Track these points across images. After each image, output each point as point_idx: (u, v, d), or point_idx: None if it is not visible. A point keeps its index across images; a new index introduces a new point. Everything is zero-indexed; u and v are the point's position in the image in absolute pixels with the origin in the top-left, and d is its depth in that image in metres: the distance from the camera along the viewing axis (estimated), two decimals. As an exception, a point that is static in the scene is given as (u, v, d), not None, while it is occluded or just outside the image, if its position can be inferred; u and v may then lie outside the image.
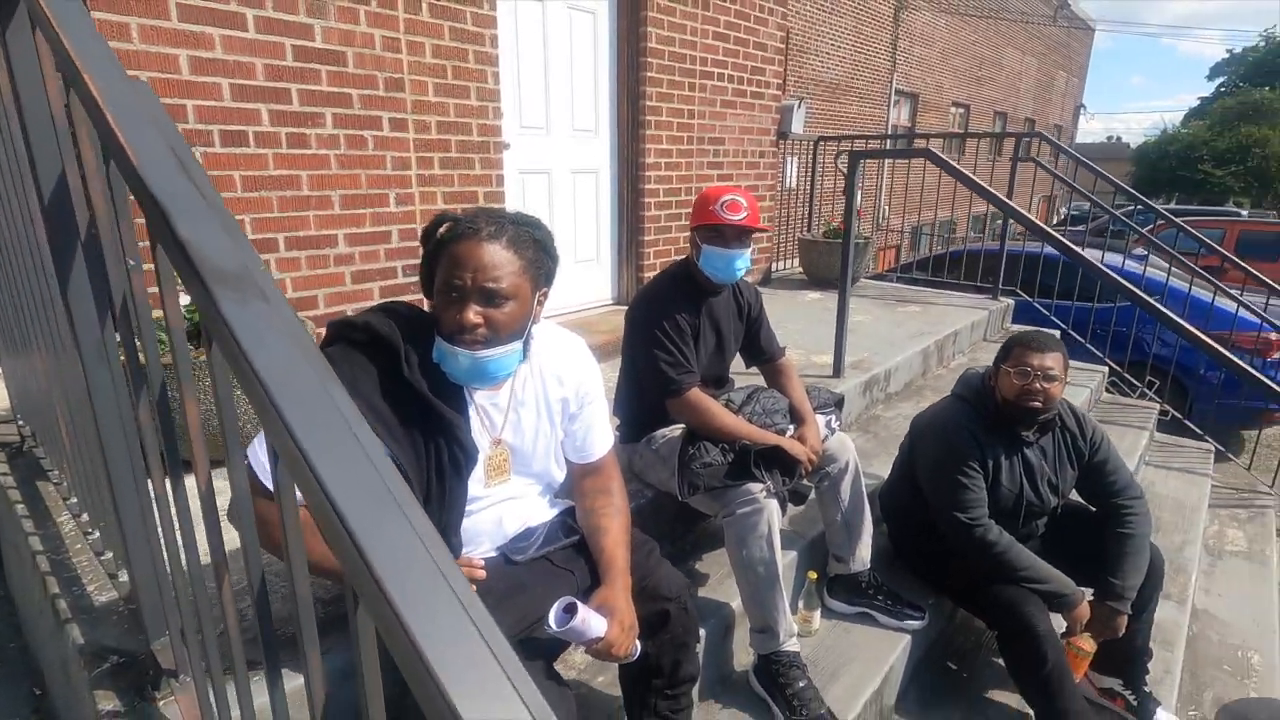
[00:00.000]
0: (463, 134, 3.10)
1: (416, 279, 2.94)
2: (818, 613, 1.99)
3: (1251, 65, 35.02)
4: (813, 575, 1.96)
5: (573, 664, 1.67)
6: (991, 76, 16.41)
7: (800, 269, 5.51)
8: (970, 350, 4.28)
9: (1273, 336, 4.86)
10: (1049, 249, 3.56)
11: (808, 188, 5.76)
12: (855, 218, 2.90)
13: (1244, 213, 14.97)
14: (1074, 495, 2.19)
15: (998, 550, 1.89)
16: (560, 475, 1.42)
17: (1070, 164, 5.26)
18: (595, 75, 3.87)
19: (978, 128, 16.09)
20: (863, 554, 2.03)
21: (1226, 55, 38.03)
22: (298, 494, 1.06)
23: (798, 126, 5.10)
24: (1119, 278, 3.19)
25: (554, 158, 3.76)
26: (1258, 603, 3.05)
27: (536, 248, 1.25)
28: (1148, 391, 4.69)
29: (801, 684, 1.68)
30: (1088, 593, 1.98)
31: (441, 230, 1.23)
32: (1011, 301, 4.82)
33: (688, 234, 4.52)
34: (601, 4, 3.80)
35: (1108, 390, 4.63)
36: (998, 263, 4.88)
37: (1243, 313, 4.75)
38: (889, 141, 10.40)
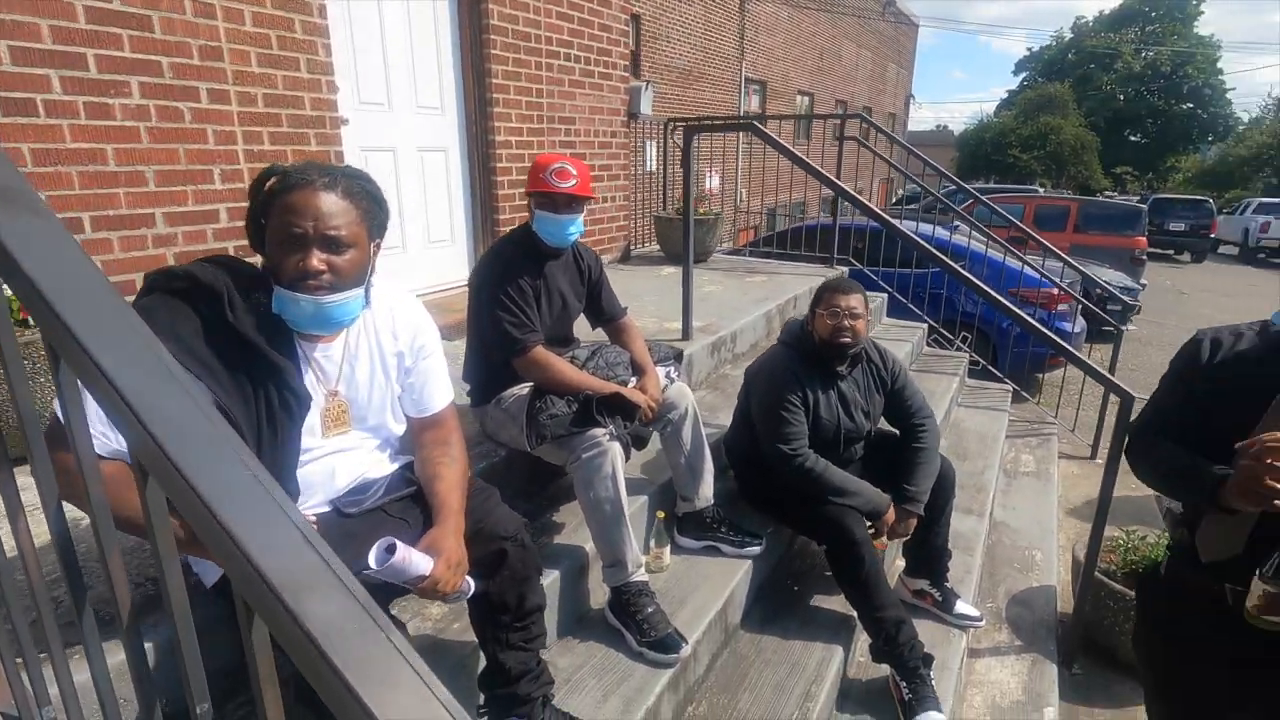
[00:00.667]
0: (294, 108, 2.97)
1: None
2: (668, 549, 2.15)
3: (1046, 62, 39.94)
4: (661, 515, 2.12)
5: (428, 615, 1.72)
6: (831, 67, 17.60)
7: (659, 247, 5.73)
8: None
9: (1054, 292, 5.68)
10: (868, 222, 4.02)
11: (663, 169, 5.98)
12: (694, 188, 3.09)
13: (1041, 190, 17.10)
14: (886, 425, 2.51)
15: (815, 474, 2.13)
16: (398, 429, 1.46)
17: (903, 148, 5.87)
18: (438, 51, 3.82)
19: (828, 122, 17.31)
20: (705, 492, 2.22)
21: (1028, 52, 43.04)
22: (109, 444, 1.04)
23: (646, 108, 5.28)
24: (924, 243, 3.63)
25: (398, 135, 3.68)
26: (1041, 511, 3.61)
27: (369, 199, 1.28)
28: (960, 345, 5.35)
29: (650, 609, 1.83)
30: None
31: (271, 182, 1.23)
32: (845, 270, 5.30)
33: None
34: (439, -22, 3.75)
35: (929, 344, 5.23)
36: (835, 236, 5.37)
37: (1034, 274, 5.52)
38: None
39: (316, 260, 1.18)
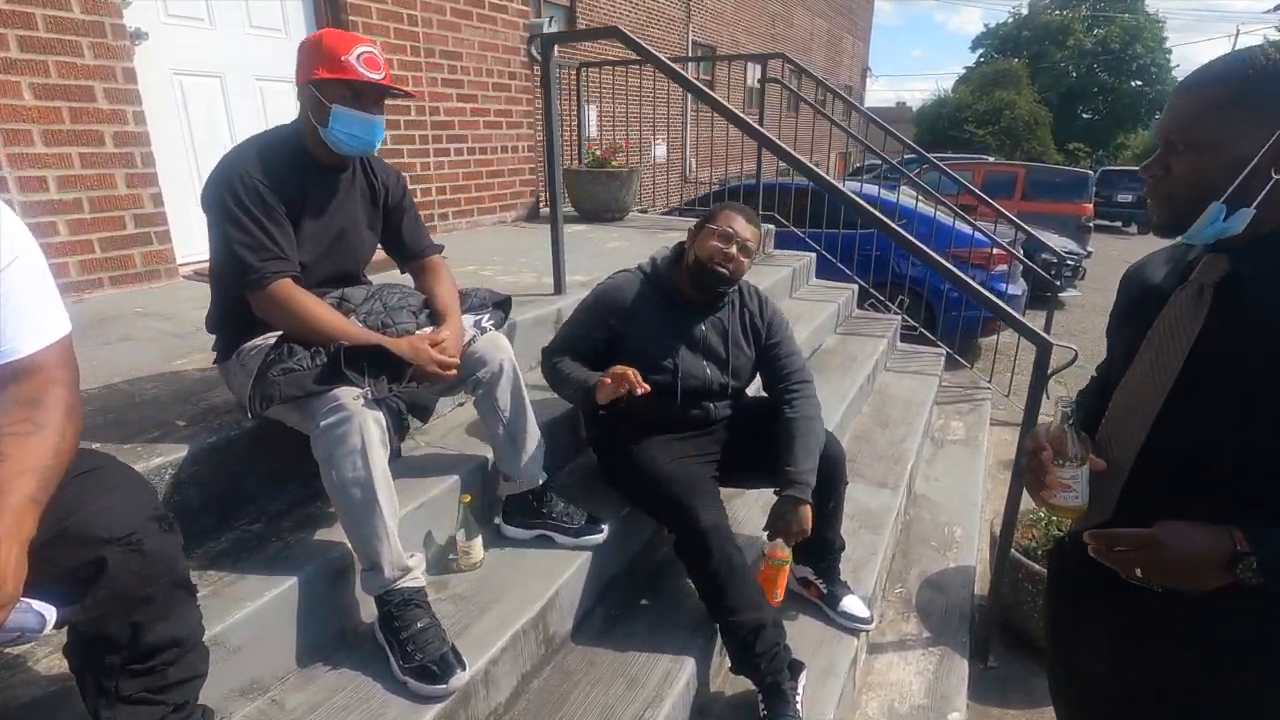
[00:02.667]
0: (54, 8, 2.39)
1: None
2: (478, 541, 1.71)
3: (1002, 38, 40.05)
4: (465, 499, 1.67)
5: None
6: (785, 34, 17.11)
7: (572, 205, 5.24)
8: (728, 273, 4.26)
9: (995, 252, 5.35)
10: (802, 182, 3.61)
11: (575, 118, 5.46)
12: (555, 115, 2.61)
13: (991, 159, 16.96)
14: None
15: (557, 368, 1.88)
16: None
17: (862, 122, 5.44)
18: (276, -39, 3.25)
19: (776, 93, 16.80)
20: (531, 469, 1.77)
21: (985, 29, 43.16)
22: None
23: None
24: (858, 199, 3.21)
25: (227, 59, 3.11)
26: (966, 482, 3.27)
27: None
28: (893, 307, 4.99)
29: (420, 624, 1.38)
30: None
31: None
32: (770, 228, 4.88)
33: (424, 160, 4.09)
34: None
35: (863, 308, 4.87)
36: (766, 195, 4.95)
37: (970, 233, 5.19)
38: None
39: None
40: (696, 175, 11.81)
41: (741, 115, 2.67)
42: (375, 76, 1.52)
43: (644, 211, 5.94)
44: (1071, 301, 7.45)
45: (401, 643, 1.37)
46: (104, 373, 1.89)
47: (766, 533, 1.84)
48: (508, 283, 3.10)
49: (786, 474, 1.80)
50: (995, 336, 5.32)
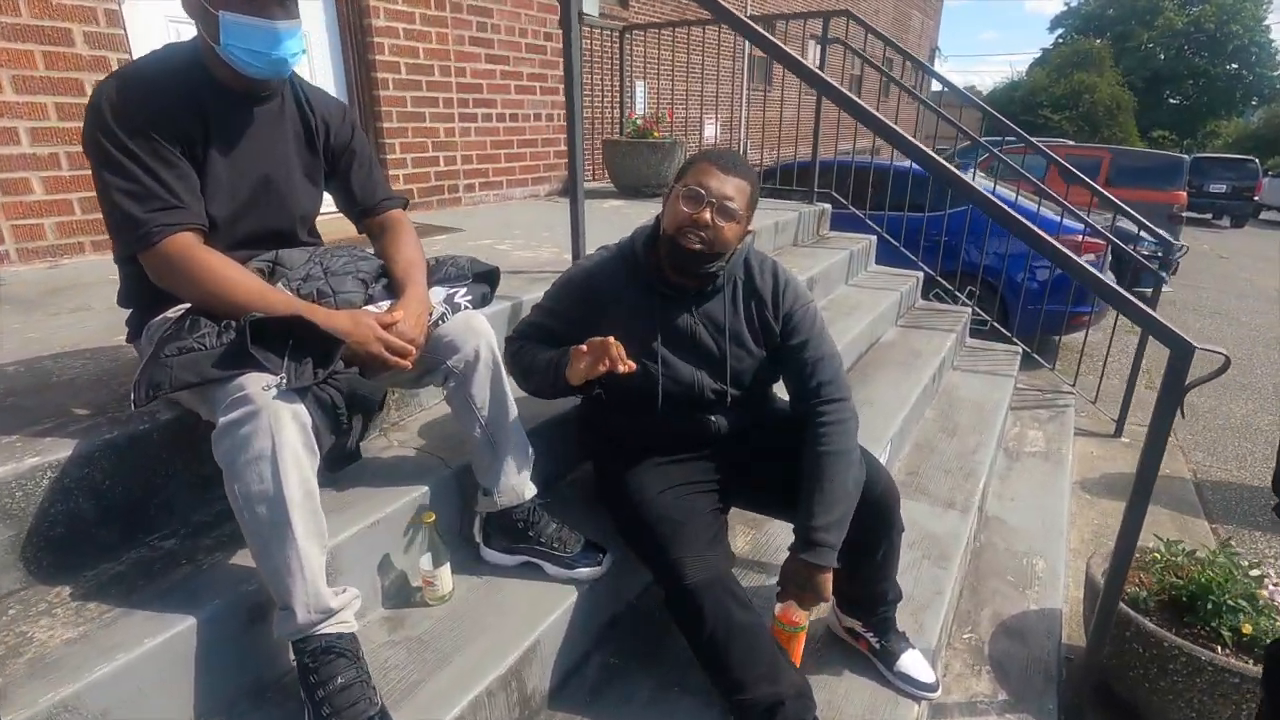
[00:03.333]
0: (23, -64, 2.15)
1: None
2: (446, 570, 1.38)
3: (1084, 17, 37.67)
4: (429, 518, 1.34)
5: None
6: (851, 7, 16.27)
7: (610, 179, 4.88)
8: (775, 254, 3.83)
9: (1080, 239, 4.76)
10: (864, 159, 3.17)
11: (616, 86, 5.08)
12: (578, 81, 2.23)
13: (1070, 142, 15.84)
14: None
15: (520, 355, 1.49)
16: None
17: (931, 102, 4.91)
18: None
19: (837, 60, 16.02)
20: (513, 482, 1.43)
21: (1065, 8, 40.62)
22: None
23: (589, 7, 4.38)
24: (966, 178, 2.74)
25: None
26: (1048, 504, 2.79)
27: None
28: (961, 297, 4.48)
29: (340, 680, 1.06)
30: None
31: None
32: (827, 206, 4.42)
33: (448, 126, 3.79)
34: None
35: (927, 299, 4.38)
36: (827, 173, 4.49)
37: (1053, 218, 4.61)
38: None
39: None
40: (761, 161, 11.29)
41: (843, 90, 2.24)
42: None
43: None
44: (1162, 298, 6.72)
45: (316, 703, 1.05)
46: (36, 346, 1.63)
47: (778, 590, 1.43)
48: (524, 258, 2.77)
49: (807, 530, 1.34)
50: (1085, 334, 4.74)
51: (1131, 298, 1.69)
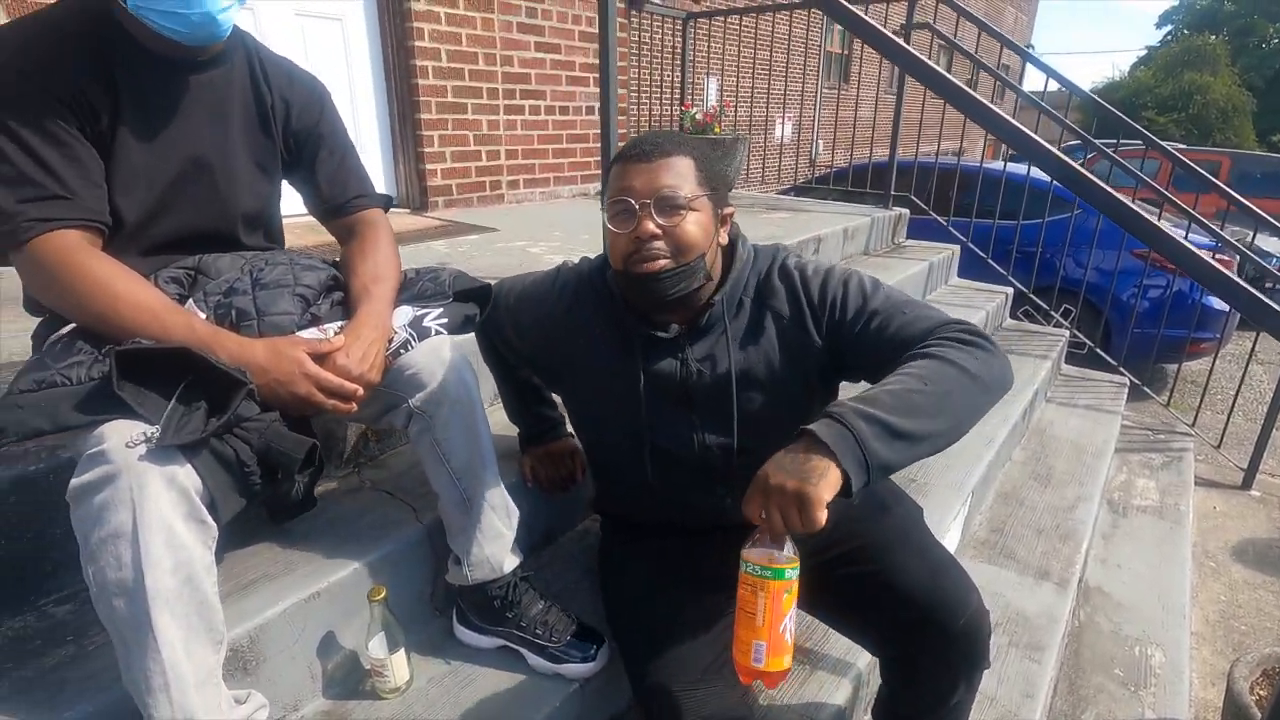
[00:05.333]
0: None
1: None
2: (400, 658, 1.10)
3: (1198, 13, 34.84)
4: (377, 594, 1.07)
5: None
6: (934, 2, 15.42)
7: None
8: (845, 262, 3.44)
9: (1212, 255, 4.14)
10: (948, 161, 2.77)
11: (678, 79, 4.76)
12: (613, 78, 1.94)
13: (1180, 146, 14.51)
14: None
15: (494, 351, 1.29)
16: None
17: (1018, 104, 4.40)
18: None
19: (925, 56, 15.14)
20: (489, 550, 1.14)
21: (1176, 3, 37.71)
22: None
23: (652, -10, 4.09)
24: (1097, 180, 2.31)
25: (262, -11, 2.70)
26: (1165, 575, 2.32)
27: None
28: (1058, 318, 3.95)
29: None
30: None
31: None
32: (904, 211, 3.98)
33: (491, 119, 3.56)
34: None
35: (1014, 317, 3.89)
36: (905, 174, 4.05)
37: (1186, 235, 4.03)
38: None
39: None
40: (820, 159, 10.75)
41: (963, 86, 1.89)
42: None
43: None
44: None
45: None
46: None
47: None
48: (556, 261, 2.49)
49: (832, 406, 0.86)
50: (1213, 362, 4.13)
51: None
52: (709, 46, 5.11)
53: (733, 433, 1.10)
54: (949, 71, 2.06)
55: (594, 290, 1.16)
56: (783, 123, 9.90)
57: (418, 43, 3.07)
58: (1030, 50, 23.17)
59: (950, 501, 1.96)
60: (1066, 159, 1.81)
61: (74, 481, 0.78)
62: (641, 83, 5.35)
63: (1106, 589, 2.25)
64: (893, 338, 1.01)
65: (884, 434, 0.81)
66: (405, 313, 1.11)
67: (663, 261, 1.00)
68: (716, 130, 4.16)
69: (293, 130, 1.15)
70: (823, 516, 0.76)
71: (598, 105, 3.73)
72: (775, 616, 0.81)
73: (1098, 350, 3.62)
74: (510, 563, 1.17)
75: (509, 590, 1.16)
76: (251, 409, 0.88)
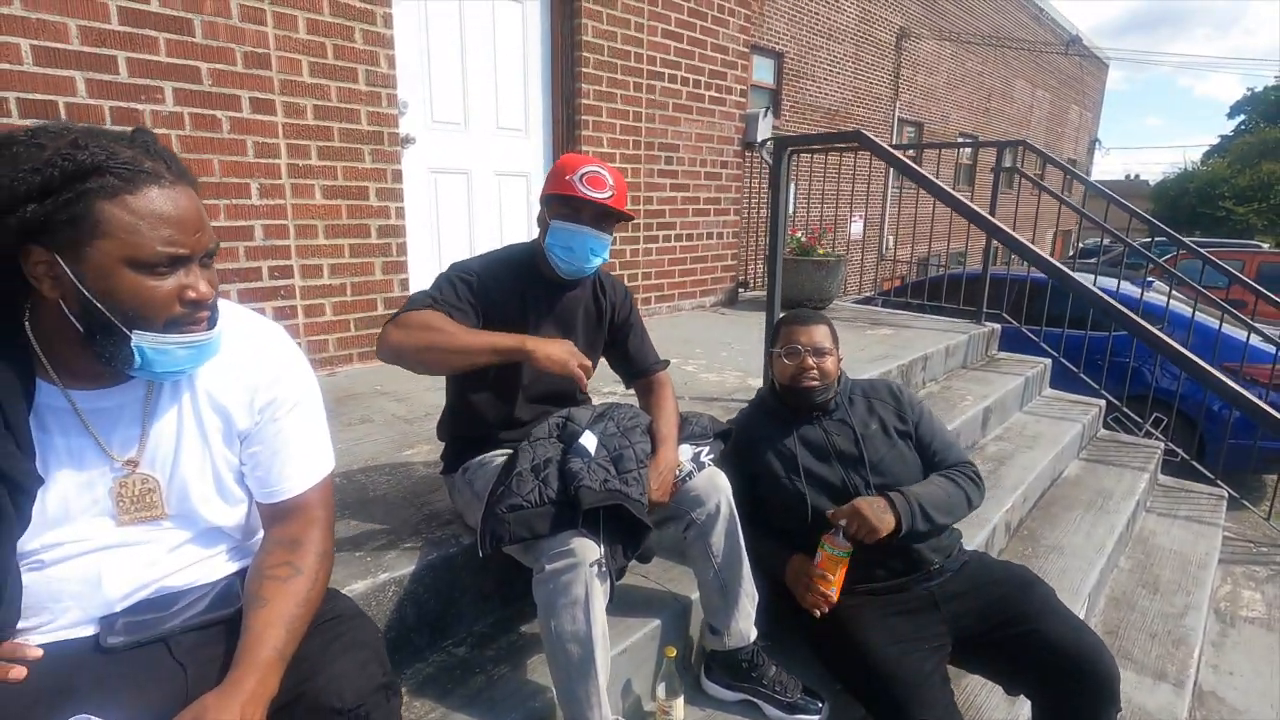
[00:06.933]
0: (348, 121, 2.75)
1: (283, 282, 2.63)
2: (679, 701, 1.52)
3: (1272, 104, 34.54)
4: (670, 652, 1.51)
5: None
6: (1001, 108, 16.09)
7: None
8: (945, 378, 3.82)
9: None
10: (1038, 273, 3.14)
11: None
12: (784, 215, 2.50)
13: (1264, 246, 14.38)
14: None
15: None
16: (223, 519, 1.00)
17: (1085, 196, 4.83)
18: (524, 70, 3.54)
19: (988, 160, 15.72)
20: (742, 625, 1.57)
21: (1247, 94, 37.57)
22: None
23: (765, 132, 4.74)
24: (1106, 296, 2.73)
25: (474, 157, 3.42)
26: (1276, 683, 2.52)
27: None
28: (1151, 429, 4.19)
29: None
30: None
31: (91, 178, 0.77)
32: (997, 326, 4.37)
33: (634, 248, 4.19)
34: (531, -7, 3.49)
35: (1106, 426, 4.14)
36: (990, 287, 4.46)
37: (1257, 343, 4.26)
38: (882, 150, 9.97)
39: (205, 285, 0.86)
40: (894, 253, 11.25)
41: (999, 224, 2.37)
42: (596, 195, 1.49)
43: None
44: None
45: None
46: (344, 460, 2.01)
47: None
48: (710, 381, 2.99)
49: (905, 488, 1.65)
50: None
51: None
52: (795, 159, 5.74)
53: (865, 467, 1.75)
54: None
55: (762, 407, 1.90)
56: (854, 220, 10.51)
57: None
58: (1098, 144, 22.83)
59: (1070, 603, 2.27)
60: (1060, 265, 2.32)
61: (549, 566, 1.27)
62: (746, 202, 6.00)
63: (1220, 694, 2.46)
64: (936, 454, 1.79)
65: (920, 513, 1.58)
66: (686, 450, 1.60)
67: (814, 383, 1.75)
68: (820, 251, 4.70)
69: (615, 322, 1.71)
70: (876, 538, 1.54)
71: (718, 230, 4.31)
72: (842, 578, 1.54)
73: (1194, 463, 3.82)
74: (754, 633, 1.59)
75: (754, 655, 1.58)
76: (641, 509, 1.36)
